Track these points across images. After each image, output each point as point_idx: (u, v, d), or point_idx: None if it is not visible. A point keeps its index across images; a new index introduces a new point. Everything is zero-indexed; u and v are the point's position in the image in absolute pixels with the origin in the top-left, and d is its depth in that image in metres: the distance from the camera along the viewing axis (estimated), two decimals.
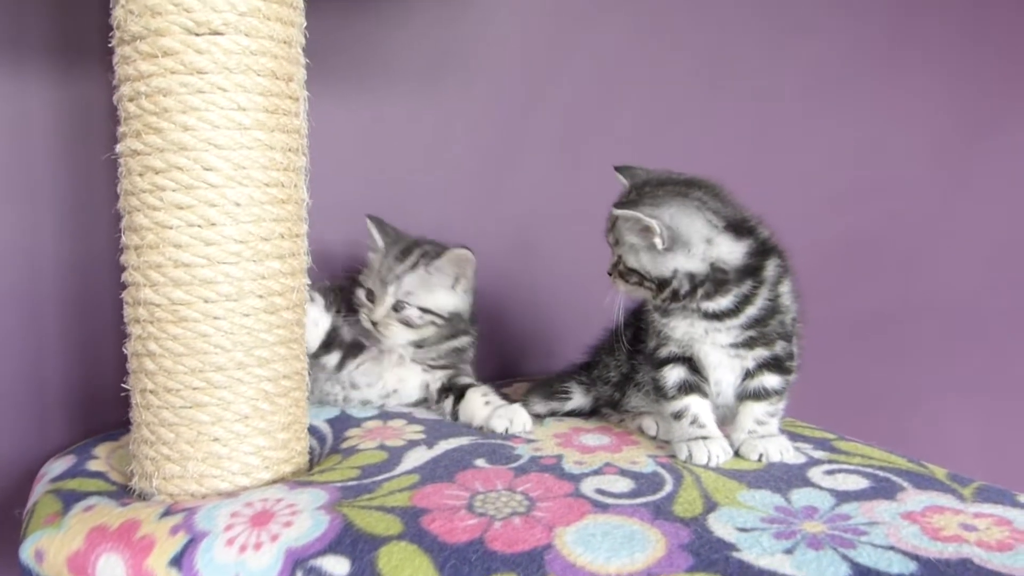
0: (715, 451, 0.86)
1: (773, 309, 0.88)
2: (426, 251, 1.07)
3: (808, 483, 0.79)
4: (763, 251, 0.89)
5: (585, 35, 1.40)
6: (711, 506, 0.74)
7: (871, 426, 1.41)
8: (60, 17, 1.07)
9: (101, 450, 0.96)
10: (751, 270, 0.87)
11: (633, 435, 0.97)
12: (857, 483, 0.79)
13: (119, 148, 0.84)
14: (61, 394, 1.11)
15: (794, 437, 0.94)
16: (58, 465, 0.92)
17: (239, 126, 0.81)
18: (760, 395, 0.89)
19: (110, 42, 0.83)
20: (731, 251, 0.87)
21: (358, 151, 1.25)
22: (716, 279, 0.86)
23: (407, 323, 1.05)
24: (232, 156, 0.81)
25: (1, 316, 1.07)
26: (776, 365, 0.89)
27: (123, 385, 0.87)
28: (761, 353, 0.89)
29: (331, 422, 1.04)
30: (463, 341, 1.11)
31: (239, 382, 0.83)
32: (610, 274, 0.93)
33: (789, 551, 0.65)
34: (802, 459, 0.87)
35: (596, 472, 0.83)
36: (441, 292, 1.06)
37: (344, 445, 0.95)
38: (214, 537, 0.72)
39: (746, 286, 0.87)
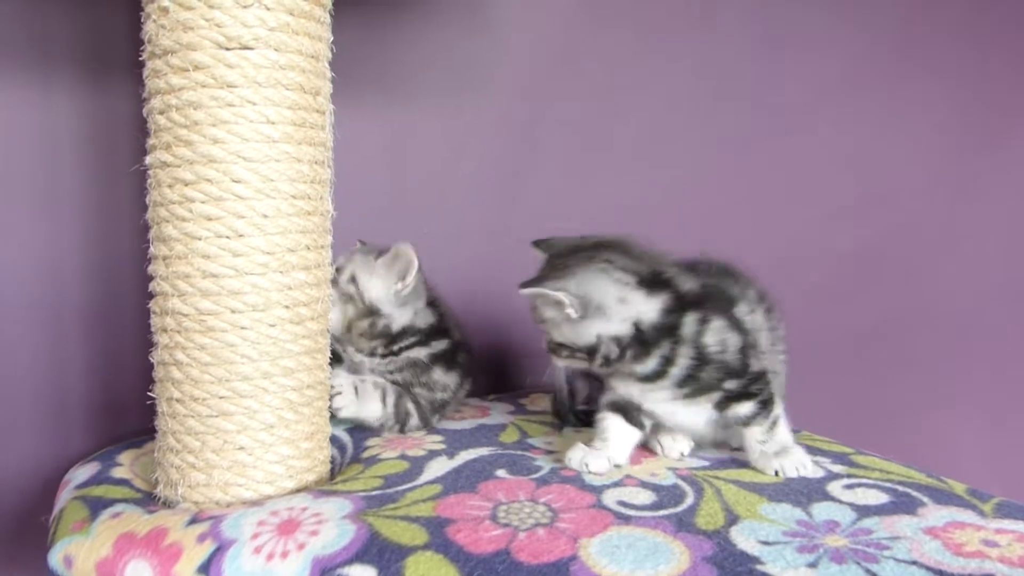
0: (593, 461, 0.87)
1: (701, 363, 0.86)
2: (381, 250, 1.08)
3: (828, 497, 0.80)
4: (682, 306, 0.87)
5: (596, 51, 1.41)
6: (733, 519, 0.75)
7: (875, 439, 1.41)
8: (88, 29, 1.08)
9: (125, 457, 0.97)
10: (669, 328, 0.86)
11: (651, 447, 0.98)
12: (877, 498, 0.79)
13: (148, 160, 0.85)
14: (83, 401, 1.12)
15: (812, 451, 0.94)
16: (83, 472, 0.93)
17: (268, 139, 0.82)
18: (742, 422, 0.89)
19: (139, 55, 0.85)
20: (647, 309, 0.86)
21: (377, 163, 1.27)
22: (640, 339, 0.86)
23: (335, 280, 1.06)
24: (261, 169, 0.82)
25: (26, 324, 1.08)
26: (737, 397, 0.87)
27: (147, 393, 0.88)
28: (712, 396, 0.88)
29: (351, 431, 1.05)
30: (420, 352, 1.08)
31: (265, 391, 0.84)
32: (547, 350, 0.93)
33: (813, 565, 0.65)
34: (821, 473, 0.87)
35: (617, 484, 0.84)
36: (376, 280, 1.06)
37: (365, 455, 0.96)
38: (241, 545, 0.72)
39: (665, 347, 0.86)
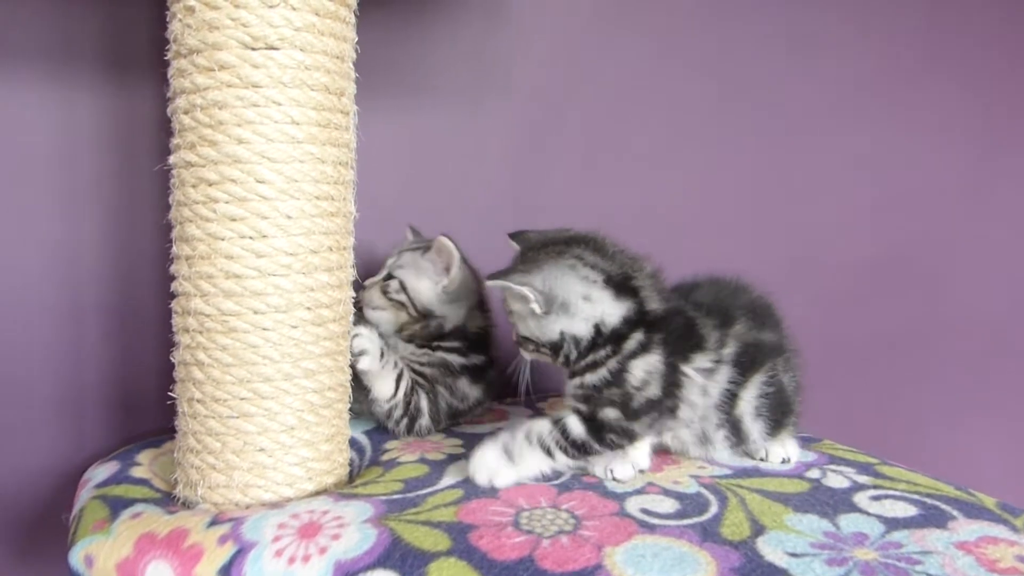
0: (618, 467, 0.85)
1: (611, 383, 0.83)
2: (427, 246, 1.10)
3: (855, 508, 0.79)
4: (641, 322, 0.84)
5: (613, 54, 1.40)
6: (759, 529, 0.73)
7: (898, 449, 1.40)
8: (111, 28, 1.08)
9: (143, 457, 0.97)
10: (617, 338, 0.84)
11: (672, 455, 0.97)
12: (905, 510, 0.78)
13: (172, 159, 0.85)
14: (101, 399, 1.12)
15: (836, 460, 0.93)
16: (102, 471, 0.93)
17: (292, 140, 0.82)
18: (558, 424, 0.83)
19: (163, 54, 0.85)
20: (610, 312, 0.84)
21: (394, 163, 1.26)
22: (595, 343, 0.84)
23: (385, 292, 1.07)
24: (285, 169, 0.82)
25: (44, 322, 1.08)
26: (592, 420, 0.83)
27: (165, 392, 0.87)
28: (585, 407, 0.84)
29: (369, 434, 1.04)
30: (456, 360, 1.08)
31: (286, 393, 0.83)
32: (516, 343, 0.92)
33: None
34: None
35: (639, 491, 0.83)
36: (425, 281, 1.07)
37: (384, 457, 0.95)
38: (262, 548, 0.72)
39: (601, 354, 0.84)
